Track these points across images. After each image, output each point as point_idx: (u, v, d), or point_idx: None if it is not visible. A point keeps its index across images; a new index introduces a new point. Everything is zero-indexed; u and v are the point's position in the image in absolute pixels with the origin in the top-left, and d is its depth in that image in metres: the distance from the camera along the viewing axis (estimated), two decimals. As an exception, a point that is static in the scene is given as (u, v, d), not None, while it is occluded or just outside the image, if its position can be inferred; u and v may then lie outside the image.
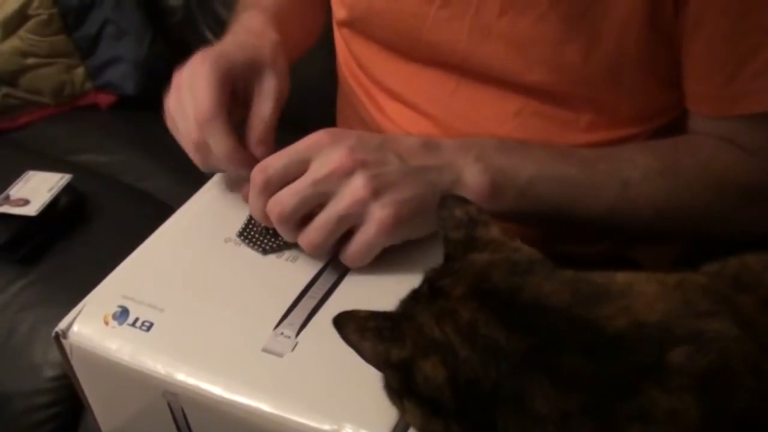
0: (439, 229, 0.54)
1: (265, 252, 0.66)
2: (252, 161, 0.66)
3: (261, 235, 0.67)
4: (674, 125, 0.76)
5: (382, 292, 0.62)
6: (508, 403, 0.44)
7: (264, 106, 0.69)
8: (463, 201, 0.54)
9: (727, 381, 0.44)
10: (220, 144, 0.66)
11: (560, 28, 0.69)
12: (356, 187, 0.60)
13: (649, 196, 0.69)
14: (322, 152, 0.61)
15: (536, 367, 0.44)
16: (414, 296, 0.51)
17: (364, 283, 0.63)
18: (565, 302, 0.46)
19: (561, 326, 0.45)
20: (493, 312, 0.46)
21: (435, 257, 0.65)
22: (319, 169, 0.61)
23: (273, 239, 0.66)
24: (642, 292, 0.46)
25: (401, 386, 0.48)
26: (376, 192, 0.60)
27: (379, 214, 0.60)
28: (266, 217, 0.63)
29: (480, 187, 0.63)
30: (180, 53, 1.65)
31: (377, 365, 0.49)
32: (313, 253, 0.63)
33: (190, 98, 0.67)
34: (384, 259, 0.64)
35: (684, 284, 0.47)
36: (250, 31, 0.76)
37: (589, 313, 0.45)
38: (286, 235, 0.63)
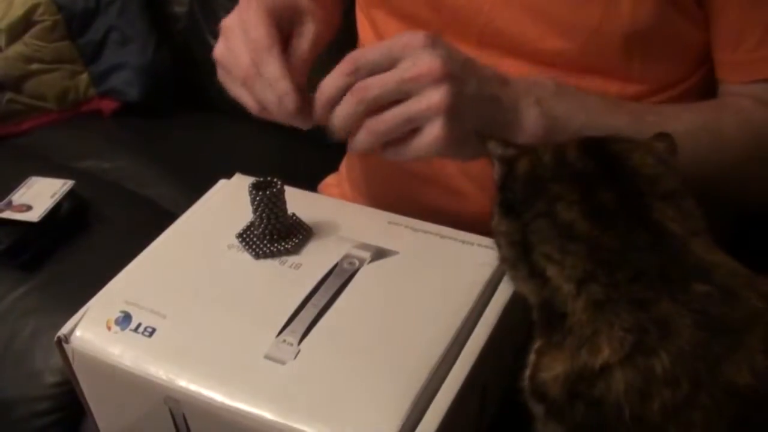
0: None
1: (257, 256, 0.66)
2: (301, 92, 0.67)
3: (258, 240, 0.67)
4: (684, 96, 0.78)
5: (385, 301, 0.62)
6: (545, 202, 0.51)
7: (302, 45, 0.70)
8: None
9: (737, 344, 0.45)
10: (276, 70, 0.66)
11: None
12: (438, 96, 0.61)
13: (692, 150, 0.71)
14: (415, 53, 0.62)
15: (579, 179, 0.52)
16: None
17: (367, 291, 0.63)
18: (646, 185, 0.51)
19: (626, 181, 0.51)
20: (586, 151, 0.54)
21: (436, 269, 0.65)
22: (409, 68, 0.62)
23: (269, 245, 0.66)
24: (724, 260, 0.50)
25: (501, 178, 0.56)
26: (448, 109, 0.61)
27: (436, 131, 0.62)
28: (333, 98, 0.64)
29: (535, 131, 0.66)
30: (184, 60, 1.67)
31: (495, 156, 0.57)
32: (367, 141, 0.64)
33: (242, 38, 0.68)
34: (387, 270, 0.65)
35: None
36: None
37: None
38: (348, 119, 0.64)
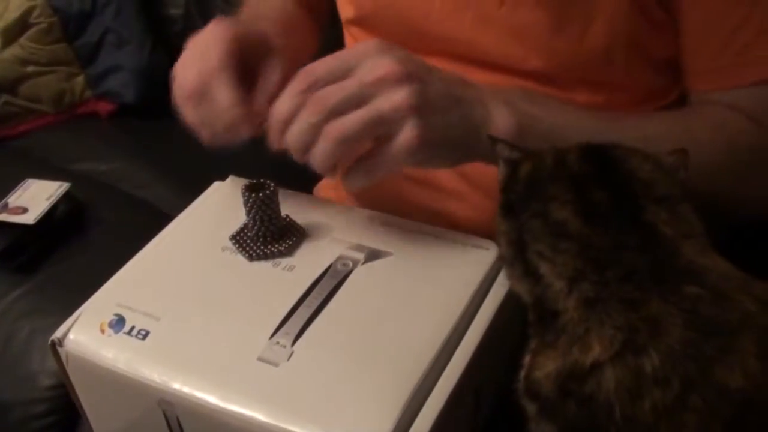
0: None
1: (251, 258, 0.66)
2: (253, 118, 0.64)
3: (252, 242, 0.67)
4: (675, 106, 0.78)
5: (379, 303, 0.62)
6: (540, 202, 0.53)
7: (274, 74, 0.67)
8: None
9: (729, 346, 0.45)
10: (225, 94, 0.64)
11: (555, 15, 0.72)
12: (401, 96, 0.59)
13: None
14: (371, 60, 0.60)
15: (575, 180, 0.53)
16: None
17: (360, 292, 0.63)
18: (641, 188, 0.52)
19: (621, 183, 0.52)
20: (585, 155, 0.55)
21: (429, 270, 0.65)
22: (367, 74, 0.60)
23: (263, 247, 0.66)
24: (716, 263, 0.50)
25: (504, 180, 0.58)
26: (416, 108, 0.59)
27: (410, 132, 0.59)
28: (289, 119, 0.61)
29: (508, 129, 0.64)
30: (180, 62, 1.65)
31: (502, 158, 0.59)
32: (329, 152, 0.60)
33: (198, 55, 0.67)
34: (381, 271, 0.65)
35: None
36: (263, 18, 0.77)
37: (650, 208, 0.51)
38: (306, 134, 0.60)
